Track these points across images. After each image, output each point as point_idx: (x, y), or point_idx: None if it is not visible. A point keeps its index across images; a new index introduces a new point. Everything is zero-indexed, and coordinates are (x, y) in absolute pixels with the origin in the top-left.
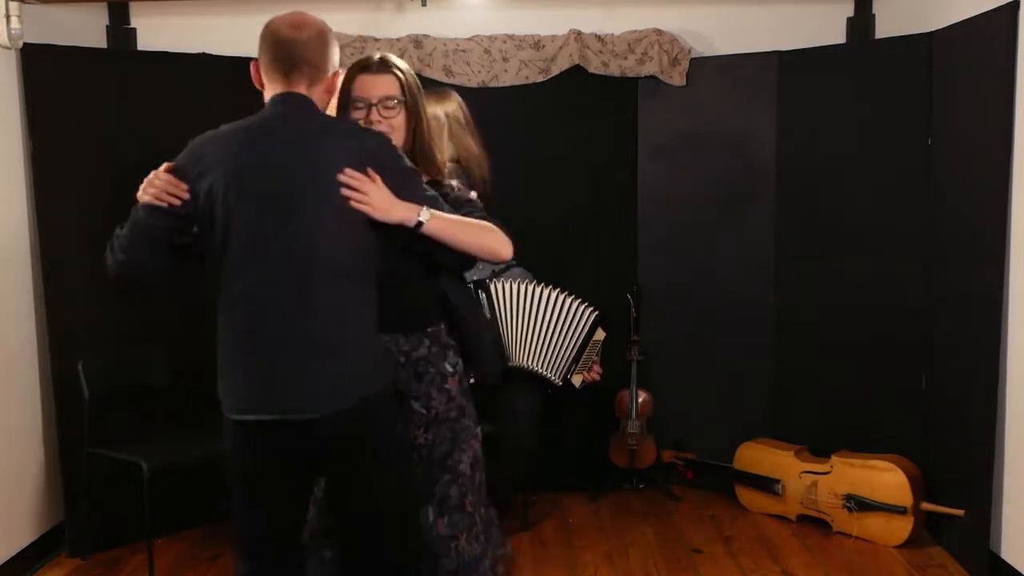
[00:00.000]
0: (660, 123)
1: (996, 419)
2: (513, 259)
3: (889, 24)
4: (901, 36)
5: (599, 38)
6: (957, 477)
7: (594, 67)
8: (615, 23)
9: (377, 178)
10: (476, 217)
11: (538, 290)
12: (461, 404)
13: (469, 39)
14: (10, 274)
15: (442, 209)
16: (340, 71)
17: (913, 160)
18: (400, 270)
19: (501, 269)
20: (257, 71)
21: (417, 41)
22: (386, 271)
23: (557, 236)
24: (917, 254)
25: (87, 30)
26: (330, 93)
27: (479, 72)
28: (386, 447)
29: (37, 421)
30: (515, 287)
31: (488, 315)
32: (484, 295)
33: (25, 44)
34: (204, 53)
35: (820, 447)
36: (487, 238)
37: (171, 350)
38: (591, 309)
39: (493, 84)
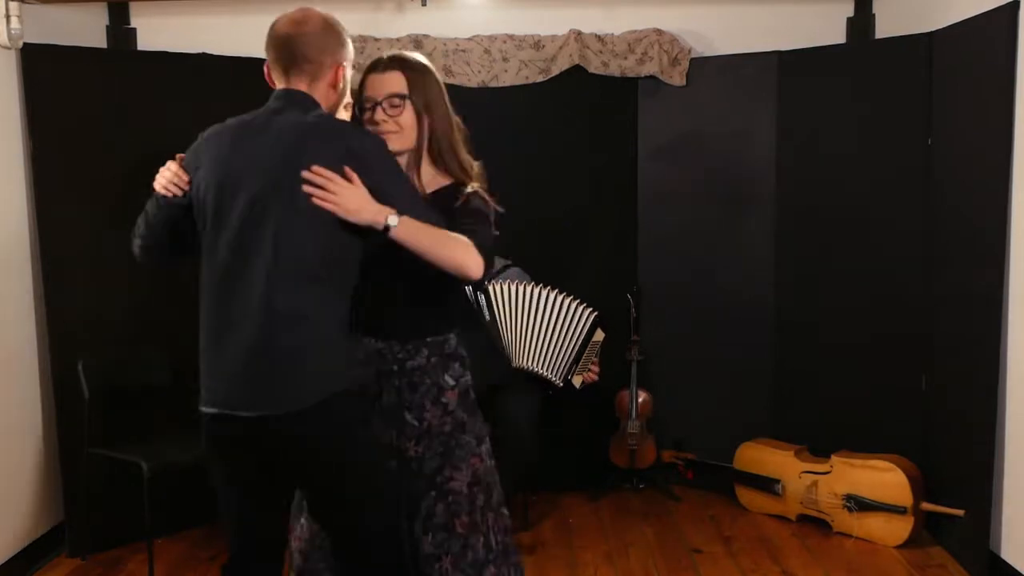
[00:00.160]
0: (660, 123)
1: (996, 419)
2: (509, 260)
3: (889, 24)
4: (901, 36)
5: (599, 38)
6: (957, 477)
7: (594, 67)
8: (615, 23)
9: (355, 177)
10: (480, 232)
11: (537, 291)
12: (461, 419)
13: (469, 39)
14: (10, 274)
15: (429, 216)
16: (345, 65)
17: (913, 160)
18: (398, 277)
19: (498, 270)
20: (268, 70)
21: (417, 41)
22: (385, 277)
23: (557, 236)
24: (917, 254)
25: (87, 30)
26: (335, 88)
27: (479, 72)
28: (352, 446)
29: (37, 421)
30: (514, 289)
31: (487, 317)
32: (483, 297)
33: (25, 44)
34: (204, 53)
35: (820, 447)
36: (456, 252)
37: (171, 350)
38: (590, 310)
39: (493, 84)
